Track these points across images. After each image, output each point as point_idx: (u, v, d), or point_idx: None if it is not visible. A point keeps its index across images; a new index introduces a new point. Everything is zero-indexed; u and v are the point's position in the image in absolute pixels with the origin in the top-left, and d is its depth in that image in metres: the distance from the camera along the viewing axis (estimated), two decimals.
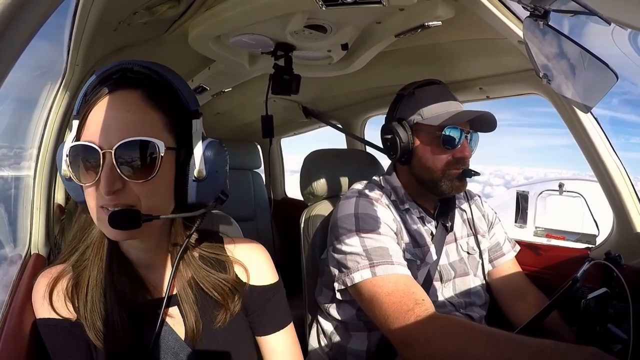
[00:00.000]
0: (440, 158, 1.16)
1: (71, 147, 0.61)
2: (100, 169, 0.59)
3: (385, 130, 1.25)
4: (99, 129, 0.60)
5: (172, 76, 0.67)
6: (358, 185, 1.26)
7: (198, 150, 0.65)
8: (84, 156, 0.61)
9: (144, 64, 0.66)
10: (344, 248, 1.09)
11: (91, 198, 0.62)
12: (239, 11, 1.03)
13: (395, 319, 0.95)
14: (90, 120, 0.61)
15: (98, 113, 0.61)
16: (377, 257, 1.04)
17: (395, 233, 1.13)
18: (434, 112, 1.18)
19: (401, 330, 0.94)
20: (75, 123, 0.63)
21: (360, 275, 1.04)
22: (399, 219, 1.18)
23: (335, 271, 1.12)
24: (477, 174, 1.19)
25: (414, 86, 1.24)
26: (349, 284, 1.06)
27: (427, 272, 1.16)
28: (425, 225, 1.23)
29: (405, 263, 1.07)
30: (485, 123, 1.18)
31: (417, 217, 1.23)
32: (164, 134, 0.63)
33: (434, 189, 1.19)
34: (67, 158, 0.62)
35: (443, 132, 1.13)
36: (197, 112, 0.67)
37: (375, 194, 1.20)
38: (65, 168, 0.63)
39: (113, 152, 0.59)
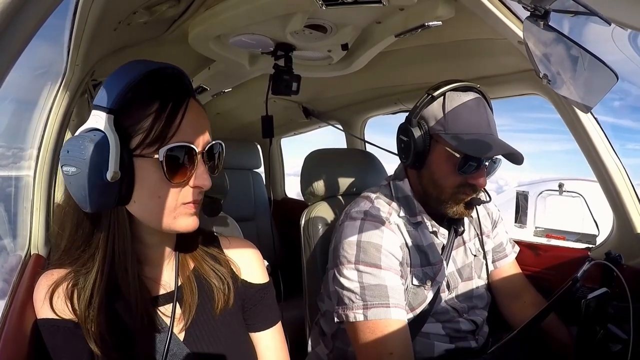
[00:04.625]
0: (453, 179, 1.06)
1: (173, 147, 0.64)
2: (195, 168, 0.67)
3: (402, 129, 1.11)
4: (191, 132, 0.67)
5: None
6: (364, 203, 1.15)
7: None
8: (180, 156, 0.65)
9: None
10: (342, 280, 1.05)
11: (174, 196, 0.67)
12: (239, 11, 1.03)
13: None
14: (183, 123, 0.66)
15: (189, 117, 0.67)
16: (372, 298, 1.00)
17: (400, 262, 1.07)
18: (460, 129, 1.03)
19: None
20: (111, 117, 0.62)
21: (353, 316, 1.01)
22: (408, 239, 1.11)
23: (334, 301, 1.08)
24: (486, 201, 1.12)
25: (448, 87, 1.06)
26: (344, 320, 1.04)
27: (437, 289, 1.13)
28: (438, 238, 1.16)
29: (403, 303, 1.04)
30: (511, 156, 1.06)
31: (430, 232, 1.14)
32: None
33: (437, 207, 1.11)
34: (164, 159, 0.64)
35: (462, 157, 1.02)
36: None
37: (384, 212, 1.11)
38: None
39: (205, 152, 0.68)
